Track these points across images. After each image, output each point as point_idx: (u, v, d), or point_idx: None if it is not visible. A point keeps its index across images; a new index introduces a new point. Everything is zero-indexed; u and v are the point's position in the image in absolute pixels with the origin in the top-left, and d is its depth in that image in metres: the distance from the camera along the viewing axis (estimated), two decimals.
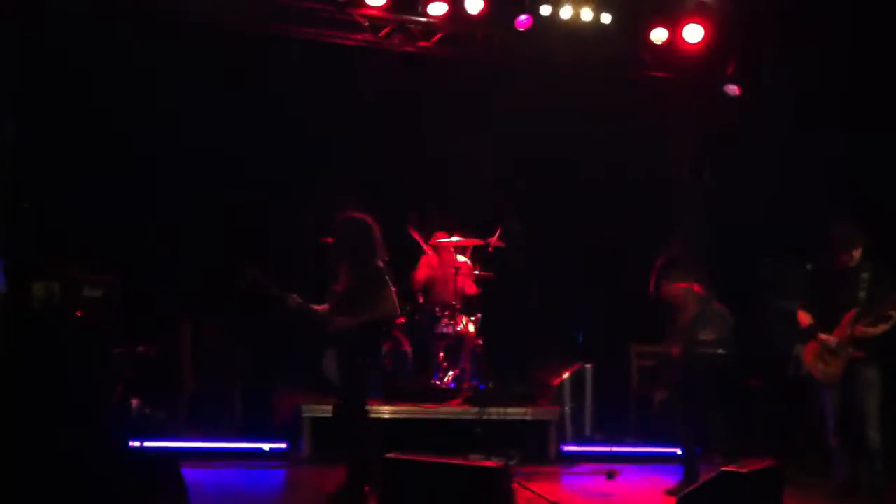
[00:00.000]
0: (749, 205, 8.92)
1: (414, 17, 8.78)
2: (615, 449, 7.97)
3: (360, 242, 6.15)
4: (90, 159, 8.28)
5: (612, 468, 7.50)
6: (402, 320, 8.61)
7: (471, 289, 8.77)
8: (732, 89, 9.15)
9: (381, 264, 6.17)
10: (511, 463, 6.23)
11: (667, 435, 7.94)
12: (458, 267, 8.76)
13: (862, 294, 6.49)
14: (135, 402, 7.40)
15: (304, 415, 7.57)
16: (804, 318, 6.81)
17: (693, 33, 8.95)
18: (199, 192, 8.62)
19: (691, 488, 5.63)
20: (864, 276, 6.54)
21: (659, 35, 8.98)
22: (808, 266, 7.85)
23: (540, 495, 6.14)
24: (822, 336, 6.64)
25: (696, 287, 6.82)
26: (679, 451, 6.94)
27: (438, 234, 8.81)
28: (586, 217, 9.31)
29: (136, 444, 6.88)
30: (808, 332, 6.78)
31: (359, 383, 6.19)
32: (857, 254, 6.58)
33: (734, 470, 5.42)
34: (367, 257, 6.13)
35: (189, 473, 5.52)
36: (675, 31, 8.97)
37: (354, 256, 6.13)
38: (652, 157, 9.63)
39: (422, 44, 9.00)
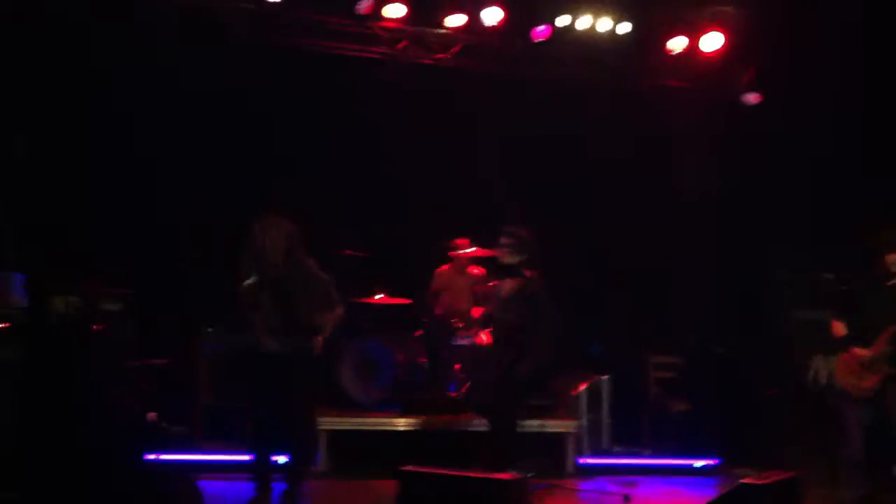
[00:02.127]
0: (766, 213, 8.86)
1: (431, 29, 8.81)
2: (633, 461, 7.92)
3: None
4: (109, 174, 8.34)
5: (630, 480, 7.46)
6: (419, 332, 8.65)
7: (486, 300, 8.74)
8: (751, 98, 9.09)
9: None
10: (528, 475, 6.19)
11: (685, 446, 7.96)
12: (474, 278, 8.75)
13: None
14: (151, 416, 7.42)
15: (321, 428, 7.55)
16: (838, 328, 6.61)
17: (711, 42, 8.90)
18: (219, 206, 8.66)
19: (711, 500, 5.57)
20: None
21: (677, 44, 8.95)
22: (829, 276, 7.77)
23: None
24: (858, 350, 6.43)
25: None
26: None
27: (460, 243, 8.77)
28: (602, 227, 9.28)
29: (153, 456, 6.89)
30: (840, 344, 6.59)
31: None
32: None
33: (754, 482, 5.38)
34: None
35: (206, 486, 5.54)
36: (693, 39, 8.93)
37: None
38: (669, 167, 9.58)
39: (439, 55, 9.02)
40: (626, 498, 6.71)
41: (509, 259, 6.92)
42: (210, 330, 5.95)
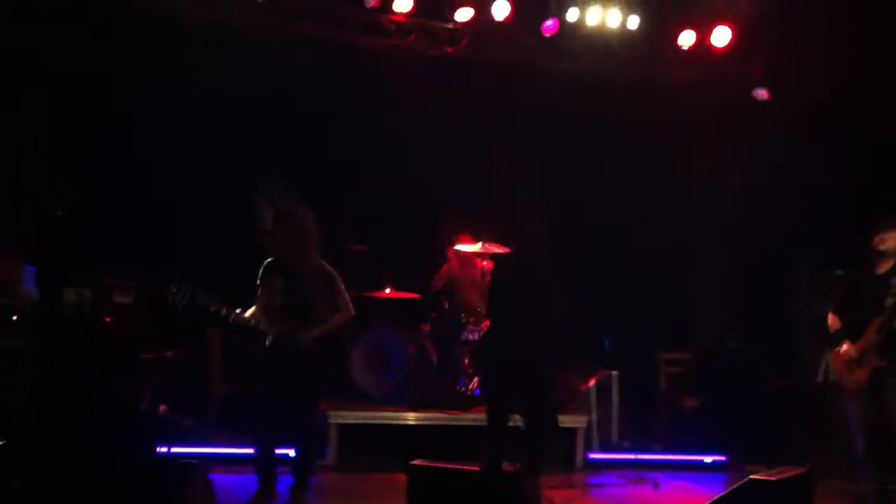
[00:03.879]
0: (778, 209, 8.83)
1: (440, 23, 8.80)
2: (642, 456, 7.92)
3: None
4: (121, 166, 8.35)
5: (639, 476, 7.46)
6: (428, 327, 8.65)
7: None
8: (761, 94, 9.05)
9: None
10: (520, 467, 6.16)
11: (695, 442, 7.97)
12: (483, 273, 8.74)
13: (889, 301, 6.23)
14: (163, 408, 7.45)
15: (331, 421, 7.59)
16: (834, 322, 6.61)
17: (721, 36, 8.87)
18: (230, 198, 8.68)
19: (720, 496, 5.57)
20: (895, 280, 6.29)
21: (686, 38, 8.91)
22: (839, 272, 7.74)
23: None
24: (846, 344, 6.43)
25: None
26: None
27: (463, 239, 8.77)
28: (612, 222, 9.26)
29: (164, 449, 6.92)
30: (835, 338, 6.58)
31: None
32: (890, 239, 6.34)
33: (764, 478, 5.37)
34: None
35: (217, 479, 5.56)
36: (702, 34, 8.90)
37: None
38: (680, 162, 9.57)
39: (448, 49, 9.01)
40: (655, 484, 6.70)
41: None
42: (174, 286, 5.95)
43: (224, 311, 6.03)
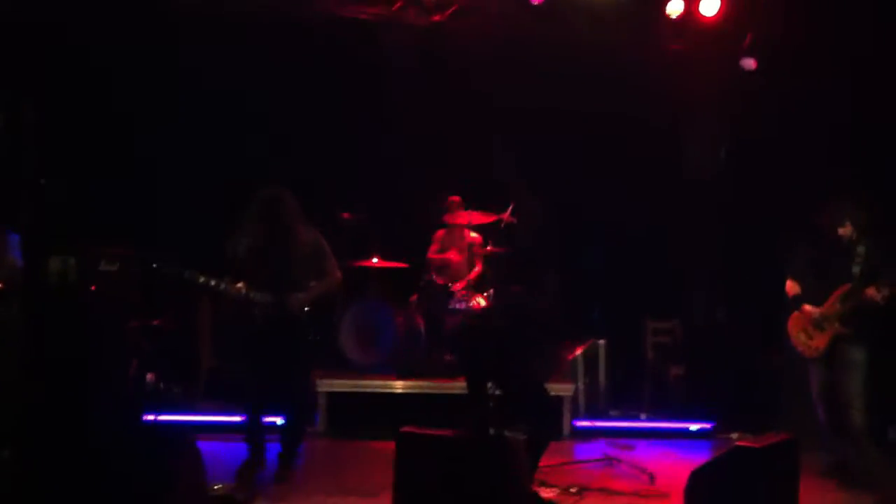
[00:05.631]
0: (766, 183, 8.84)
1: None
2: (629, 424, 7.98)
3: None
4: (108, 134, 8.29)
5: (626, 443, 7.51)
6: (416, 296, 8.67)
7: (483, 265, 8.75)
8: (749, 63, 9.03)
9: None
10: (518, 436, 6.17)
11: (681, 410, 8.02)
12: (471, 243, 8.75)
13: (856, 269, 6.29)
14: (150, 377, 7.44)
15: (320, 389, 7.60)
16: (792, 287, 6.63)
17: (709, 6, 8.83)
18: (218, 167, 8.64)
19: (705, 463, 5.60)
20: (860, 249, 6.32)
21: (675, 7, 8.87)
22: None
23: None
24: (807, 308, 6.45)
25: None
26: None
27: (451, 206, 8.74)
28: (601, 193, 9.26)
29: (152, 417, 6.91)
30: (793, 303, 6.59)
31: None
32: (844, 231, 6.34)
33: (749, 444, 5.41)
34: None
35: (205, 446, 5.54)
36: (691, 3, 8.86)
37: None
38: (668, 135, 9.55)
39: (436, 18, 8.95)
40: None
41: None
42: (157, 266, 5.97)
43: (213, 283, 6.01)
